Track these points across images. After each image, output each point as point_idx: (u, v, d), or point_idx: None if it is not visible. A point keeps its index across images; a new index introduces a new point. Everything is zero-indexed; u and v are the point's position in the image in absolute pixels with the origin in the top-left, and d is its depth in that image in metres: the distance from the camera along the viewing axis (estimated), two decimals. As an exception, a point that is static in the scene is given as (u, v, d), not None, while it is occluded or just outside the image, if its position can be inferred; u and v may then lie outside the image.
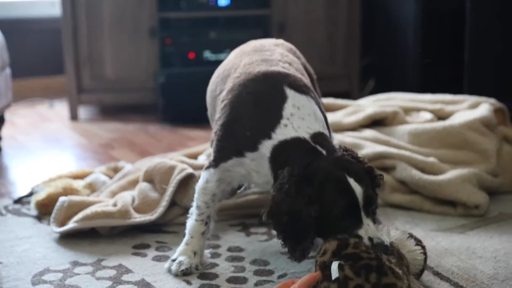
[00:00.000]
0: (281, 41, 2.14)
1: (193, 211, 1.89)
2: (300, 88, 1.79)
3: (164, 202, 2.17)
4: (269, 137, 1.70)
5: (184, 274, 1.82)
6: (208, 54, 3.87)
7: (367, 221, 1.57)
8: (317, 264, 1.54)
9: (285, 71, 1.84)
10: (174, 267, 1.83)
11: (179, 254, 1.87)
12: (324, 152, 1.66)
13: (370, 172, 1.65)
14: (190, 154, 2.66)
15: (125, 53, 3.86)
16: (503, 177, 2.44)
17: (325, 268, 1.51)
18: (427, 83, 3.62)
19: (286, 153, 1.67)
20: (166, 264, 1.87)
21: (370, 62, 4.21)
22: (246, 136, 1.75)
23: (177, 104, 3.75)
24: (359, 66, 4.16)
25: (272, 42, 2.10)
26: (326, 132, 1.75)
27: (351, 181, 1.57)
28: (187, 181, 2.21)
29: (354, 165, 1.62)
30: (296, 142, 1.68)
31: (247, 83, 1.81)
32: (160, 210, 2.16)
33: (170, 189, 2.19)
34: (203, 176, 1.87)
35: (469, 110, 2.66)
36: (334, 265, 1.48)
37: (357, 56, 4.14)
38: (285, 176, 1.61)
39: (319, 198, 1.57)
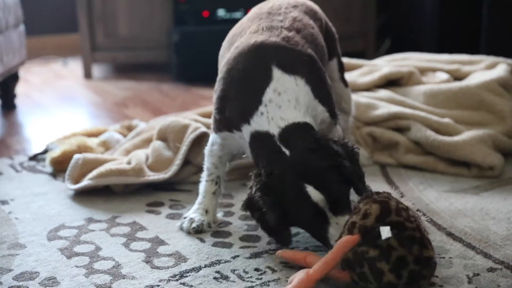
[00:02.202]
0: (302, 0, 2.06)
1: (203, 173, 1.92)
2: (290, 67, 1.72)
3: (178, 161, 2.18)
4: (248, 123, 1.70)
5: (196, 231, 1.84)
6: (222, 13, 3.83)
7: (335, 220, 1.57)
8: (356, 227, 1.49)
9: (281, 44, 1.76)
10: (185, 224, 1.86)
11: (191, 213, 1.89)
12: (287, 152, 1.63)
13: (345, 148, 1.64)
14: (204, 113, 2.65)
15: (139, 11, 3.83)
16: (518, 139, 2.42)
17: (366, 233, 1.47)
18: (444, 43, 3.57)
19: (256, 148, 1.70)
20: (178, 222, 1.89)
21: (386, 21, 4.15)
22: (233, 115, 1.75)
23: (190, 62, 3.73)
24: (375, 25, 4.10)
25: (292, 2, 2.01)
26: (307, 118, 1.68)
27: (310, 190, 1.57)
28: (201, 140, 2.21)
29: (315, 166, 1.59)
30: (263, 139, 1.67)
31: (239, 58, 1.77)
32: (174, 168, 2.17)
33: (184, 148, 2.20)
34: (210, 139, 1.89)
35: (486, 70, 2.63)
36: (386, 229, 1.45)
37: (373, 15, 4.08)
38: (252, 178, 1.65)
39: (280, 208, 1.60)
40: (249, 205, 1.67)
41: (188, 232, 1.84)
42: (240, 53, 1.77)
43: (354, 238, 1.47)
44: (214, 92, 1.84)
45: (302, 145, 1.62)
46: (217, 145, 1.87)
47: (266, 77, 1.70)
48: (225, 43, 2.01)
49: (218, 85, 1.81)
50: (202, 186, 1.92)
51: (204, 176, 1.92)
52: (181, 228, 1.86)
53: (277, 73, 1.70)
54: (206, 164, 1.90)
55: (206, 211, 1.88)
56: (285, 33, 1.81)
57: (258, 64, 1.73)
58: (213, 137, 1.88)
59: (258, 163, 1.68)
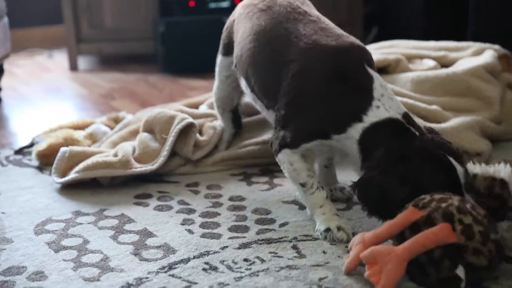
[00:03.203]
0: None
1: (302, 193, 1.79)
2: (373, 64, 1.75)
3: (165, 152, 2.17)
4: (360, 120, 1.66)
5: (348, 239, 1.71)
6: (208, 2, 3.80)
7: (467, 197, 1.56)
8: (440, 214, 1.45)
9: (359, 44, 1.77)
10: (339, 234, 1.71)
11: (325, 224, 1.73)
12: (417, 133, 1.63)
13: (456, 152, 1.63)
14: (191, 104, 2.65)
15: (124, 2, 3.80)
16: (506, 124, 2.42)
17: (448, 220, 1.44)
18: (431, 30, 3.56)
19: (379, 135, 1.64)
20: (321, 237, 1.73)
21: (373, 9, 4.14)
22: (333, 118, 1.69)
23: (177, 53, 3.71)
24: (362, 13, 4.09)
25: None
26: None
27: (452, 161, 1.56)
28: (187, 131, 2.20)
29: (449, 145, 1.61)
30: (390, 123, 1.64)
31: (327, 59, 1.73)
32: (161, 159, 2.15)
33: (170, 139, 2.18)
34: (283, 160, 1.78)
35: (473, 57, 2.62)
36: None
37: (360, 3, 4.07)
38: (381, 155, 1.59)
39: (416, 177, 1.55)
40: (365, 184, 1.60)
41: (347, 240, 1.70)
42: (326, 55, 1.73)
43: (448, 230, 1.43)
44: (290, 96, 1.75)
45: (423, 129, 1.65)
46: (297, 161, 1.76)
47: (367, 74, 1.70)
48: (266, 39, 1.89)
49: (299, 89, 1.74)
50: (311, 200, 1.77)
51: (306, 193, 1.77)
52: (336, 240, 1.72)
53: (370, 70, 1.72)
54: (301, 182, 1.77)
55: (337, 215, 1.77)
56: (339, 32, 1.81)
57: (354, 64, 1.72)
58: (287, 155, 1.77)
59: (372, 154, 1.62)
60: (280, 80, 1.80)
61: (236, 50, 2.01)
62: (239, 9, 2.08)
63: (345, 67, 1.72)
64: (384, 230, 1.51)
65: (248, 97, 2.05)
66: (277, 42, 1.85)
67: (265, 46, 1.88)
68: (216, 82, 2.25)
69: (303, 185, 1.78)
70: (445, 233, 1.43)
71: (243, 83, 2.01)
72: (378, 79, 1.71)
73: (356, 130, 1.67)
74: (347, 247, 1.66)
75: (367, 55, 1.77)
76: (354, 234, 1.70)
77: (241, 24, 2.01)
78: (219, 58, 2.19)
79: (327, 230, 1.72)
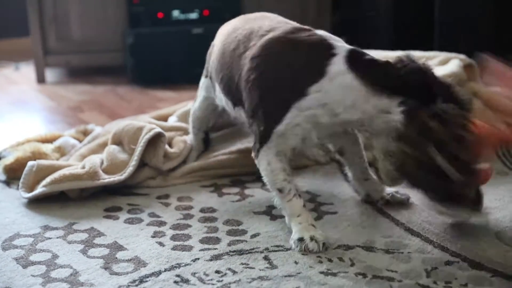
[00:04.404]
0: (261, 13, 2.10)
1: (278, 199, 1.78)
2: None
3: (133, 162, 2.15)
4: (334, 54, 1.67)
5: (326, 248, 1.70)
6: (177, 14, 3.80)
7: None
8: None
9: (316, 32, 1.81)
10: (310, 245, 1.69)
11: (300, 233, 1.72)
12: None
13: None
14: (160, 116, 2.64)
15: (92, 13, 3.78)
16: (472, 133, 2.46)
17: None
18: (399, 40, 3.61)
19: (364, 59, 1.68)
20: (293, 246, 1.71)
21: (341, 20, 4.18)
22: (301, 70, 1.68)
23: (146, 64, 3.70)
24: (330, 23, 4.13)
25: (257, 15, 2.06)
26: None
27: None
28: (156, 141, 2.19)
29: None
30: (357, 51, 1.70)
31: (280, 36, 1.78)
32: (129, 169, 2.14)
33: (138, 149, 2.17)
34: (261, 162, 1.77)
35: (440, 66, 2.67)
36: None
37: (328, 14, 4.11)
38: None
39: None
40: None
41: (318, 251, 1.68)
42: (284, 31, 1.82)
43: None
44: (250, 80, 1.78)
45: None
46: (273, 160, 1.74)
47: (315, 33, 1.80)
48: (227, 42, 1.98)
49: (257, 67, 1.78)
50: (288, 209, 1.76)
51: (282, 199, 1.76)
52: (307, 250, 1.69)
53: (319, 31, 1.81)
54: (277, 187, 1.75)
55: (313, 225, 1.74)
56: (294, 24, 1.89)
57: (304, 30, 1.82)
58: (263, 154, 1.76)
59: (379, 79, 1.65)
60: (241, 70, 1.83)
61: (211, 64, 2.10)
62: (218, 34, 2.14)
63: (296, 34, 1.76)
64: None
65: (221, 102, 2.09)
66: (238, 39, 1.91)
67: (229, 46, 1.94)
68: (196, 103, 2.28)
69: (280, 190, 1.76)
70: None
71: (217, 89, 2.06)
72: (325, 33, 1.76)
73: (338, 64, 1.66)
74: (319, 257, 1.67)
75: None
76: (326, 245, 1.71)
77: (216, 46, 2.08)
78: (202, 79, 2.24)
79: (301, 239, 1.72)
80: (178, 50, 3.65)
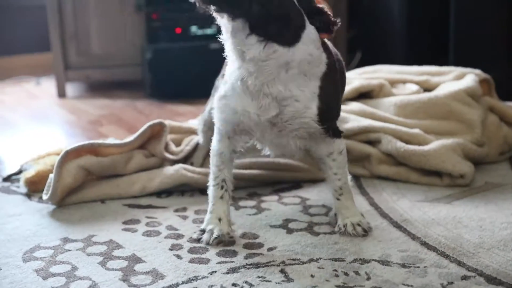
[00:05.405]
0: None
1: (210, 177, 1.92)
2: (323, 46, 1.85)
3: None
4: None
5: (218, 242, 1.84)
6: (194, 29, 3.85)
7: None
8: None
9: None
10: (205, 236, 1.86)
11: (207, 224, 1.89)
12: None
13: None
14: (178, 128, 2.68)
15: (111, 29, 3.84)
16: (488, 147, 2.46)
17: None
18: (414, 55, 3.62)
19: None
20: (195, 235, 1.89)
21: (356, 34, 4.21)
22: None
23: (164, 79, 3.75)
24: (345, 38, 4.15)
25: None
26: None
27: None
28: (159, 132, 2.36)
29: None
30: None
31: None
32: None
33: (140, 131, 2.36)
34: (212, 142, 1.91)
35: (455, 81, 2.68)
36: None
37: (343, 29, 4.13)
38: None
39: None
40: None
41: (208, 244, 1.84)
42: None
43: None
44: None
45: None
46: (215, 141, 1.88)
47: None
48: None
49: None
50: (210, 192, 1.92)
51: (210, 180, 1.92)
52: (201, 241, 1.86)
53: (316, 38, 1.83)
54: (211, 168, 1.91)
55: (219, 219, 1.89)
56: None
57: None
58: (215, 132, 1.89)
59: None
60: None
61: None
62: None
63: None
64: None
65: None
66: None
67: None
68: (209, 106, 2.31)
69: (211, 173, 1.90)
70: None
71: None
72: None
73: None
74: (335, 270, 1.69)
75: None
76: (219, 241, 1.83)
77: None
78: (219, 80, 2.27)
79: (202, 230, 1.87)
80: (195, 65, 3.69)
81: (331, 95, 1.80)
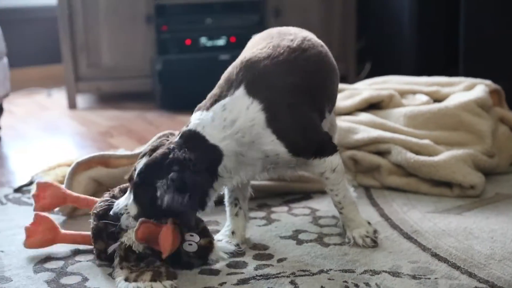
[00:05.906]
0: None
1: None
2: (255, 89, 1.75)
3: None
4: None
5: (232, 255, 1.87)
6: (204, 41, 3.87)
7: None
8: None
9: (265, 64, 1.78)
10: (213, 255, 1.85)
11: (220, 235, 1.94)
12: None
13: None
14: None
15: (121, 41, 3.86)
16: (498, 158, 2.45)
17: None
18: (423, 66, 3.62)
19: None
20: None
21: (366, 45, 4.21)
22: None
23: (174, 90, 3.76)
24: (355, 49, 4.16)
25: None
26: (225, 141, 1.73)
27: None
28: None
29: None
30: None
31: (229, 69, 1.86)
32: None
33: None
34: None
35: (465, 91, 2.67)
36: None
37: (353, 39, 4.14)
38: None
39: None
40: None
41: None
42: (232, 66, 1.85)
43: None
44: None
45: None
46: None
47: (230, 92, 1.77)
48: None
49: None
50: (226, 209, 1.97)
51: (225, 198, 1.97)
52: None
53: (240, 92, 1.76)
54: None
55: (233, 233, 1.92)
56: (285, 55, 1.83)
57: (234, 79, 1.79)
58: None
59: None
60: None
61: None
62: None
63: (226, 77, 1.87)
64: None
65: None
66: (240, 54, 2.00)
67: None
68: None
69: (226, 191, 1.96)
70: None
71: None
72: (232, 99, 1.77)
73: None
74: (345, 282, 1.68)
75: (256, 76, 1.79)
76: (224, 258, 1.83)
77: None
78: None
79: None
80: (205, 76, 3.69)
81: (293, 130, 1.76)
